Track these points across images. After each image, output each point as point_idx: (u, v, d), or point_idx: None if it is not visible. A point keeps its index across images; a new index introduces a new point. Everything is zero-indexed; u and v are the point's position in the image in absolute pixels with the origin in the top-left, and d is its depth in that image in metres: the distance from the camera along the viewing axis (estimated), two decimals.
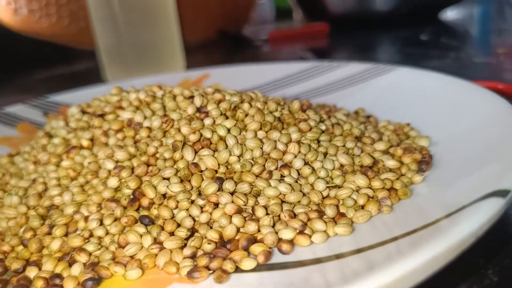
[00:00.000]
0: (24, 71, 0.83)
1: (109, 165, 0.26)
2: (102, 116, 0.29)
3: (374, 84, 0.42)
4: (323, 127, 0.28)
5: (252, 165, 0.25)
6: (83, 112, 0.31)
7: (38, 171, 0.28)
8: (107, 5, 0.61)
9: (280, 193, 0.24)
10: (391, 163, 0.26)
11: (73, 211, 0.25)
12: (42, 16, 0.74)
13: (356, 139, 0.28)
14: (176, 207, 0.24)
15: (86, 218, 0.24)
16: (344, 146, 0.27)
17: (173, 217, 0.24)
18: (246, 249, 0.21)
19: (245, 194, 0.24)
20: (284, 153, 0.26)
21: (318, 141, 0.28)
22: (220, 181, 0.25)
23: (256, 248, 0.21)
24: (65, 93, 0.50)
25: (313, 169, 0.26)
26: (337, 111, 0.38)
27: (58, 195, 0.26)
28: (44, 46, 0.81)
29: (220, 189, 0.24)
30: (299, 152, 0.26)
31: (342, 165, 0.26)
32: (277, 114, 0.29)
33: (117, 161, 0.26)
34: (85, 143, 0.28)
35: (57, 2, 0.74)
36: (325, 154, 0.27)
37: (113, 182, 0.25)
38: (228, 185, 0.24)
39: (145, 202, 0.24)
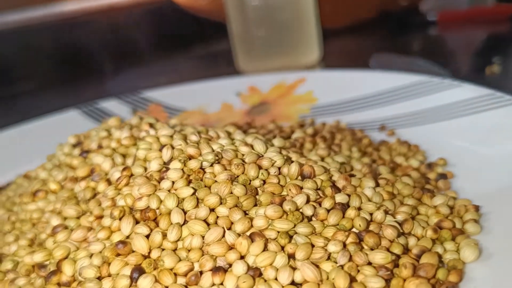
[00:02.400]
0: (183, 48, 0.85)
1: (54, 221, 0.23)
2: (86, 153, 0.26)
3: (486, 118, 0.31)
4: (309, 212, 0.21)
5: (180, 260, 0.19)
6: (77, 144, 0.28)
7: (20, 205, 0.27)
8: None
9: None
10: None
11: (6, 270, 0.23)
12: None
13: (357, 237, 0.20)
14: None
15: (12, 281, 0.22)
16: (324, 247, 0.19)
17: None
18: None
19: None
20: (231, 247, 0.20)
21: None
22: (136, 274, 0.19)
23: None
24: (158, 89, 0.48)
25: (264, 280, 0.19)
26: (410, 157, 0.28)
27: (13, 242, 0.24)
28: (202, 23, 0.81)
29: (133, 283, 0.19)
30: (247, 252, 0.19)
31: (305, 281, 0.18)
32: (257, 183, 0.22)
33: (65, 218, 0.23)
34: (52, 186, 0.25)
35: None
36: (291, 257, 0.19)
37: (49, 243, 0.22)
38: (144, 284, 0.19)
39: (63, 278, 0.21)
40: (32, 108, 0.55)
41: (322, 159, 0.26)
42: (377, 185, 0.24)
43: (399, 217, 0.21)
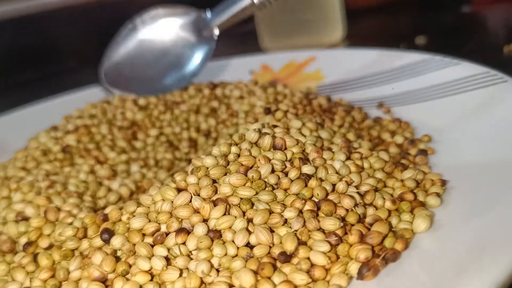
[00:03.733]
0: None
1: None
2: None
3: (479, 96, 0.30)
4: (272, 181, 0.22)
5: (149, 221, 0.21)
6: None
7: None
8: None
9: None
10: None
11: None
12: None
13: (315, 205, 0.21)
14: None
15: None
16: (281, 214, 0.21)
17: None
18: None
19: None
20: (196, 211, 0.21)
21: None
22: (106, 235, 0.21)
23: None
24: None
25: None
26: (398, 134, 0.29)
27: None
28: None
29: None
30: (209, 216, 0.21)
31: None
32: (231, 156, 0.23)
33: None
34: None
35: None
36: (249, 221, 0.21)
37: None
38: (116, 241, 0.21)
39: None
40: (76, 84, 0.58)
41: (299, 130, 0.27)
42: (350, 158, 0.24)
43: (363, 189, 0.22)
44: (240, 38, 0.77)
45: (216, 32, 0.38)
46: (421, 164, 0.26)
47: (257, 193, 0.21)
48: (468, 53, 0.46)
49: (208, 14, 0.38)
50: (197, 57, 0.40)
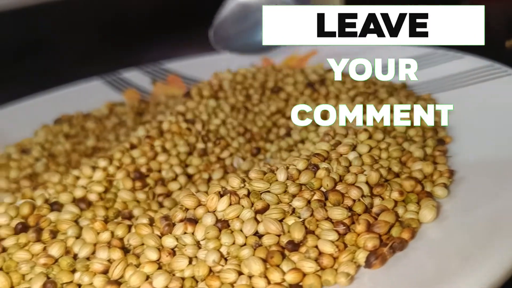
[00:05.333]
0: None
1: None
2: None
3: (483, 89, 0.31)
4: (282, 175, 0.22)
5: None
6: None
7: None
8: None
9: None
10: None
11: None
12: None
13: (323, 195, 0.21)
14: None
15: None
16: (289, 203, 0.21)
17: None
18: None
19: None
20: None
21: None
22: None
23: None
24: (179, 61, 0.50)
25: None
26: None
27: None
28: None
29: None
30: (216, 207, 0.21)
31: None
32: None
33: None
34: None
35: None
36: (258, 213, 0.21)
37: None
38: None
39: None
40: (75, 77, 0.57)
41: None
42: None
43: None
44: None
45: None
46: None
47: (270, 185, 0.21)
48: (470, 48, 0.46)
49: None
50: None
